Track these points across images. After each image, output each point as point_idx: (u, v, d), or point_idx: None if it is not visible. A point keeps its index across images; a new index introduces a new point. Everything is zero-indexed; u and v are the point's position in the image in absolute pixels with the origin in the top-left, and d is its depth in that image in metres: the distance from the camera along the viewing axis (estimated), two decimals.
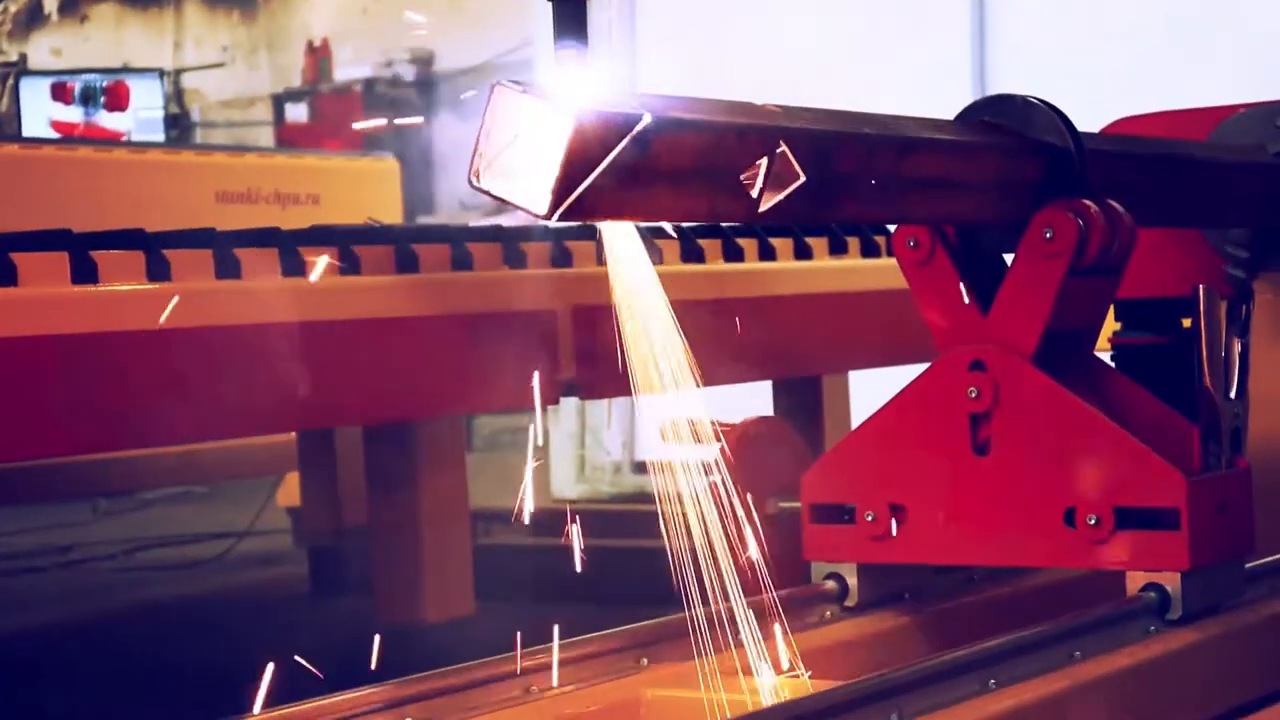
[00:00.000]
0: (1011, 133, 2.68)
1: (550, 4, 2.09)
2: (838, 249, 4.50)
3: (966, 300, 2.70)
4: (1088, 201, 2.63)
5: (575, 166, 1.94)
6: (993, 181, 2.64)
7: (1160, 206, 3.07)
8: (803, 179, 2.14)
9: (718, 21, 8.11)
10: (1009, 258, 2.72)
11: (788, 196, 2.16)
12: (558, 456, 8.22)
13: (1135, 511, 2.57)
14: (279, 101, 13.97)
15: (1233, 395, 2.72)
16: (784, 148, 2.13)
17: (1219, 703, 2.59)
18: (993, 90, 7.48)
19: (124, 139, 9.99)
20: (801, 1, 8.02)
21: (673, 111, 2.06)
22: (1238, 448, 2.73)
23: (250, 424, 3.29)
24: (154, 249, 3.06)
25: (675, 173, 2.08)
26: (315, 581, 5.93)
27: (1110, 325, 3.52)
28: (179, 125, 13.93)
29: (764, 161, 2.13)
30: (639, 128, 1.98)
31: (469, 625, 4.27)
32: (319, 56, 13.85)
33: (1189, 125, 3.50)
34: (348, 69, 13.80)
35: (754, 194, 2.14)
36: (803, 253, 4.36)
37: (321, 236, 3.42)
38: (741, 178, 2.12)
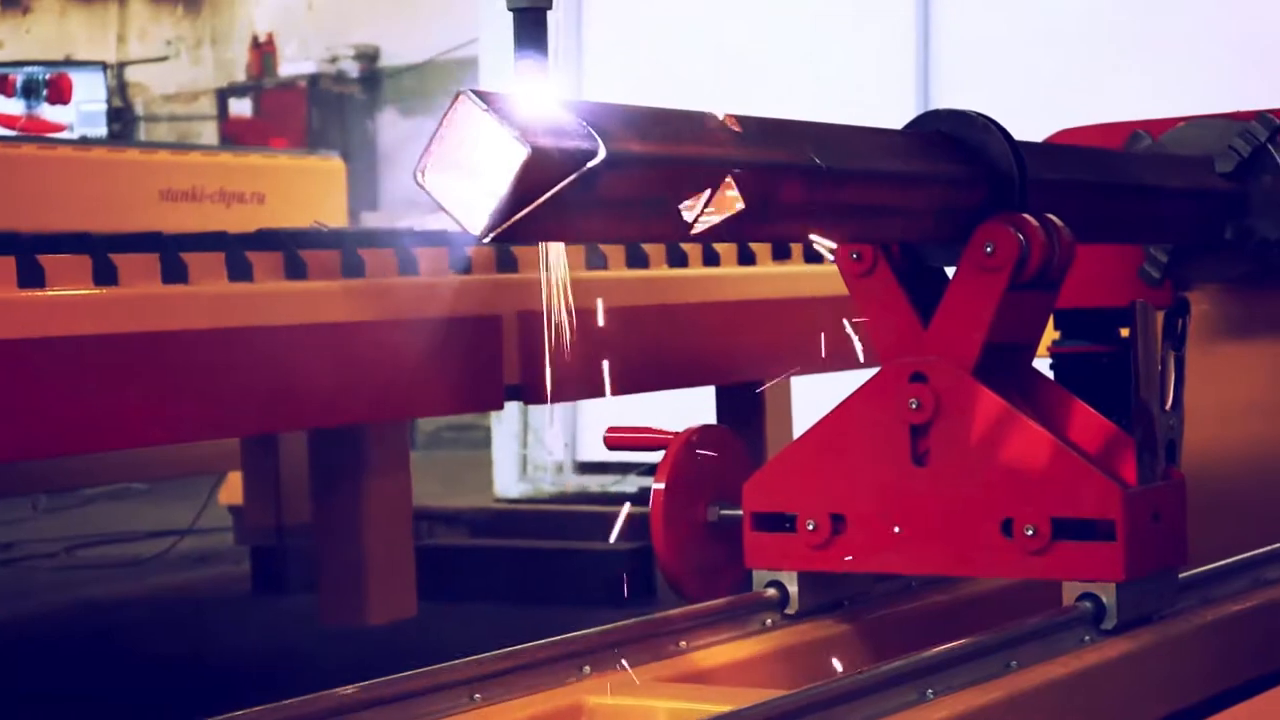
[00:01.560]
0: (953, 147, 2.71)
1: (511, 13, 2.10)
2: (781, 255, 4.53)
3: (908, 313, 2.72)
4: (1028, 216, 2.66)
5: (519, 197, 1.95)
6: (934, 197, 2.66)
7: (1101, 221, 3.11)
8: (742, 207, 2.16)
9: (665, 22, 8.13)
10: (951, 270, 2.75)
11: (725, 220, 2.18)
12: (500, 456, 8.24)
13: (1072, 522, 2.60)
14: (223, 96, 13.93)
15: (1168, 407, 2.76)
16: (729, 179, 2.15)
17: (1153, 712, 2.63)
18: (936, 92, 7.57)
19: (66, 132, 9.93)
20: (748, 3, 8.05)
21: (627, 143, 2.06)
22: (1172, 459, 2.77)
23: (196, 428, 3.30)
24: (100, 253, 3.07)
25: (617, 202, 2.09)
26: (256, 581, 5.93)
27: (1050, 334, 3.57)
28: (122, 119, 13.87)
29: (706, 193, 2.15)
30: (590, 164, 1.99)
31: (411, 627, 4.29)
32: (263, 52, 13.83)
33: (1125, 138, 3.53)
34: (293, 64, 13.77)
35: (692, 221, 2.15)
36: (746, 258, 4.39)
37: (268, 240, 3.42)
38: (680, 207, 2.14)
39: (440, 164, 1.99)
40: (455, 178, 1.98)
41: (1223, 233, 3.44)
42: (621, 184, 2.06)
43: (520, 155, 1.94)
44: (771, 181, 2.31)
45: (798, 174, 2.37)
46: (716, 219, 2.16)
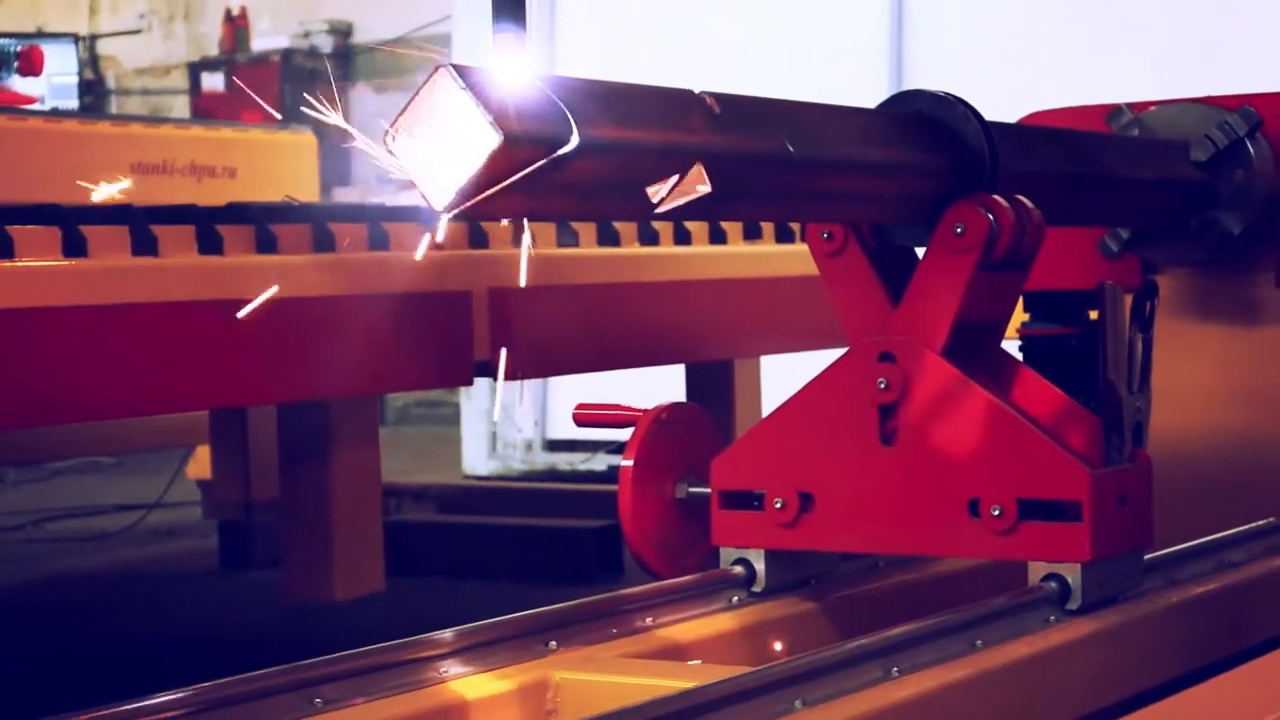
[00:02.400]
0: (924, 128, 2.71)
1: None
2: (752, 234, 4.53)
3: (878, 293, 2.73)
4: (998, 198, 2.67)
5: (487, 178, 1.95)
6: (905, 178, 2.67)
7: (1070, 204, 3.11)
8: (709, 190, 2.16)
9: (640, 4, 8.13)
10: (921, 251, 2.76)
11: (694, 202, 2.18)
12: (470, 433, 8.23)
13: (1038, 503, 2.61)
14: (195, 70, 13.87)
15: (1135, 389, 2.77)
16: (698, 166, 2.15)
17: (1116, 691, 2.64)
18: (910, 73, 7.58)
19: (37, 104, 9.89)
20: None
21: (601, 130, 2.05)
22: (1139, 441, 2.78)
23: (165, 401, 3.29)
24: (70, 225, 3.06)
25: (587, 186, 2.09)
26: (224, 555, 5.93)
27: (1019, 316, 3.58)
28: (94, 92, 13.81)
29: (675, 177, 2.15)
30: (562, 151, 1.99)
31: (378, 602, 4.29)
32: (237, 26, 13.76)
33: (1096, 121, 3.54)
34: (266, 39, 13.72)
35: (658, 203, 2.15)
36: (718, 237, 4.39)
37: (239, 214, 3.42)
38: (648, 190, 2.13)
39: (411, 132, 1.98)
40: (424, 148, 1.97)
41: (1189, 221, 3.46)
42: (593, 169, 2.06)
43: (493, 141, 1.93)
44: (743, 167, 2.32)
45: (770, 160, 2.37)
46: (684, 202, 2.16)
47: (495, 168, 1.94)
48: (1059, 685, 2.53)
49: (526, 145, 1.96)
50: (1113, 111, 3.54)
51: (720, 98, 2.29)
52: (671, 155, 2.17)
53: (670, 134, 2.19)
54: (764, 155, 2.35)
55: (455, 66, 1.97)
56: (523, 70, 2.01)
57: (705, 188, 2.14)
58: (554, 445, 8.19)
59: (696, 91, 2.27)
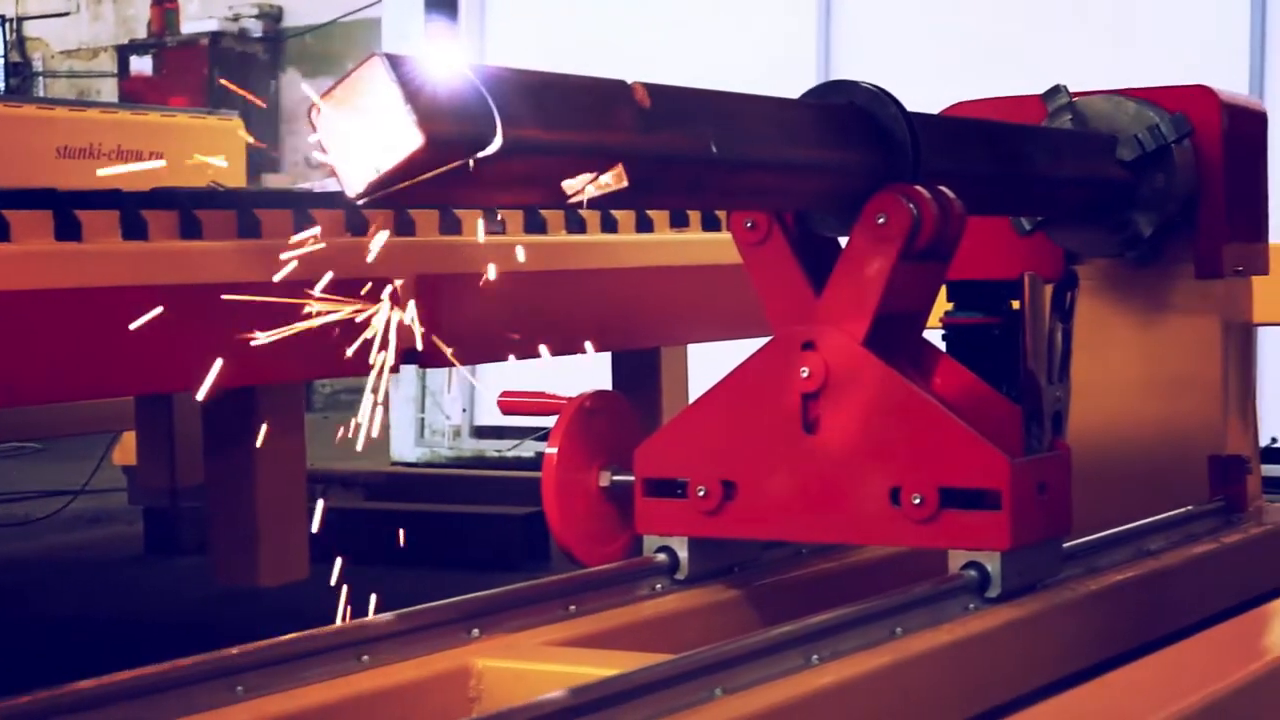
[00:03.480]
0: (848, 119, 2.72)
1: None
2: (679, 222, 4.54)
3: (801, 282, 2.75)
4: (920, 188, 2.69)
5: (404, 172, 1.95)
6: (828, 168, 2.68)
7: (993, 195, 3.14)
8: (625, 185, 2.16)
9: None
10: (844, 241, 2.77)
11: (614, 194, 2.19)
12: (398, 420, 8.21)
13: (958, 492, 2.64)
14: (124, 53, 13.78)
15: (1055, 379, 2.80)
16: (619, 166, 2.15)
17: (1036, 678, 2.67)
18: (838, 63, 7.60)
19: None
20: None
21: (526, 130, 2.04)
22: (1059, 430, 2.81)
23: (89, 387, 3.27)
24: None
25: (504, 182, 2.09)
26: (149, 542, 5.90)
27: (943, 305, 3.60)
28: (20, 74, 13.71)
29: (594, 174, 2.15)
30: (484, 154, 1.99)
31: (304, 589, 4.27)
32: (165, 8, 13.68)
33: (1019, 111, 3.56)
34: (195, 23, 13.64)
35: (573, 196, 2.15)
36: (644, 225, 4.40)
37: (164, 199, 3.40)
38: (564, 185, 2.13)
39: (336, 111, 1.98)
40: (346, 130, 1.97)
41: (1106, 216, 3.48)
42: (513, 169, 2.06)
43: (415, 141, 1.92)
44: (666, 165, 2.33)
45: (694, 159, 2.38)
46: (601, 195, 2.16)
47: (414, 165, 1.94)
48: (978, 672, 2.55)
49: (448, 147, 1.96)
50: (1050, 90, 3.53)
51: (651, 89, 2.29)
52: (594, 154, 2.17)
53: (594, 134, 2.20)
54: (688, 155, 2.37)
55: (389, 57, 1.96)
56: (454, 60, 2.01)
57: (624, 184, 2.14)
58: (482, 432, 8.18)
59: (629, 82, 2.27)
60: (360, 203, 1.97)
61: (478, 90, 2.00)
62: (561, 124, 2.14)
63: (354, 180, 1.95)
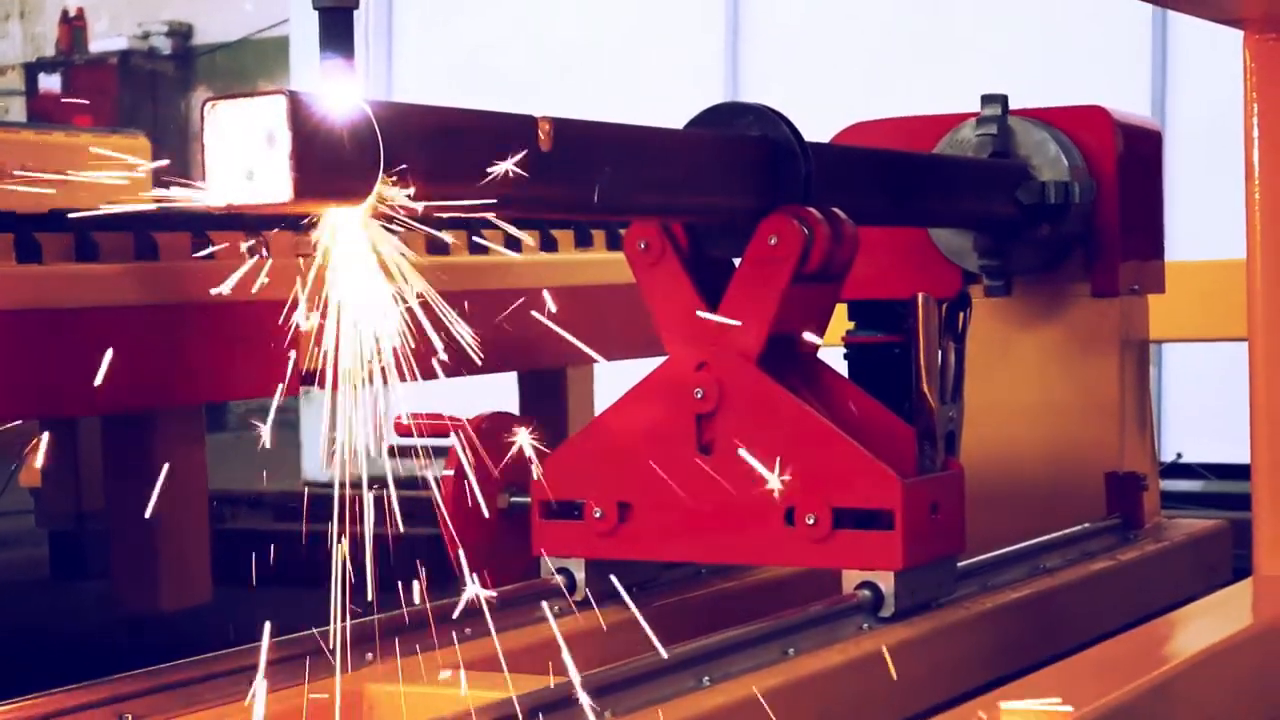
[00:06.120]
0: (741, 141, 2.74)
1: (317, 13, 2.06)
2: (584, 242, 4.55)
3: (694, 303, 2.75)
4: (813, 209, 2.70)
5: (268, 212, 1.97)
6: (720, 189, 2.69)
7: (885, 218, 3.16)
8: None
9: (476, 13, 8.13)
10: (738, 262, 2.78)
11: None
12: (308, 440, 8.19)
13: (852, 512, 2.65)
14: (32, 71, 13.69)
15: (948, 399, 2.81)
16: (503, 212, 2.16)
17: (929, 697, 2.67)
18: (746, 86, 7.64)
19: None
20: None
21: (405, 182, 2.04)
22: (952, 450, 2.82)
23: None
24: None
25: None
26: (55, 565, 5.85)
27: (845, 324, 3.62)
28: None
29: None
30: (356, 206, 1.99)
31: (205, 613, 4.25)
32: (74, 26, 13.60)
33: (918, 132, 3.59)
34: (104, 40, 13.56)
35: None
36: (549, 245, 4.40)
37: (59, 222, 3.38)
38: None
39: (229, 121, 1.96)
40: (228, 140, 1.95)
41: (991, 245, 3.52)
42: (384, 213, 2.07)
43: (284, 195, 1.92)
44: (557, 207, 2.34)
45: (584, 203, 2.39)
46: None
47: (280, 210, 1.95)
48: (871, 692, 2.56)
49: (316, 202, 1.96)
50: (987, 96, 3.54)
51: (554, 126, 2.29)
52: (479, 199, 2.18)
53: (478, 189, 2.19)
54: (576, 200, 2.38)
55: (295, 100, 1.93)
56: (352, 99, 2.00)
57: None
58: (394, 452, 8.15)
59: (537, 117, 2.27)
60: (219, 210, 1.97)
61: (372, 139, 1.99)
62: (446, 177, 2.15)
63: (216, 192, 1.95)
